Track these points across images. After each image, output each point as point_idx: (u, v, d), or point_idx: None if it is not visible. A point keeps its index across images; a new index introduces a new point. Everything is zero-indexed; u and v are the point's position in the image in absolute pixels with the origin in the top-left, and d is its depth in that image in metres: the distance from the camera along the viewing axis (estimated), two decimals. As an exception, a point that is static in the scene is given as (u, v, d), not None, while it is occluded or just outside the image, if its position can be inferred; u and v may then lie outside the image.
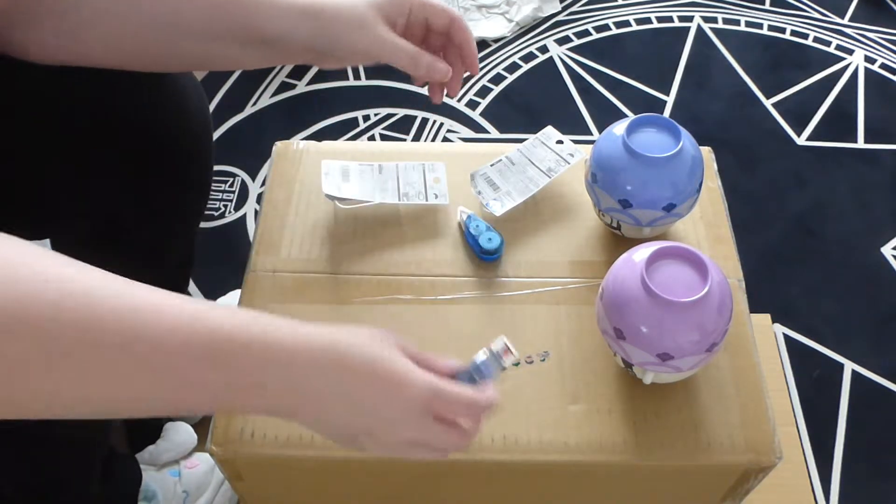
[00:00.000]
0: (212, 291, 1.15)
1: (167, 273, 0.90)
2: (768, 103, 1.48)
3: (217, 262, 1.19)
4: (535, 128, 0.89)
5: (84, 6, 0.58)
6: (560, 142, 0.81)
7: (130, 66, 0.63)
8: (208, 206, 1.27)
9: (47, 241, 0.74)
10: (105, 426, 0.76)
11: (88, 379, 0.40)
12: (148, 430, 0.91)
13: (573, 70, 1.54)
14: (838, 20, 1.65)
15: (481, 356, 0.56)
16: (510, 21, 1.63)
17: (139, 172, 0.72)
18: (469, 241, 0.76)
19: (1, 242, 0.39)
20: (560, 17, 1.66)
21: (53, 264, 0.41)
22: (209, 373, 0.43)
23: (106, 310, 0.40)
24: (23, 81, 0.62)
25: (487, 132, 1.42)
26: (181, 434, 0.91)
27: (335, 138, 1.38)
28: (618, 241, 0.76)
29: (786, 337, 1.13)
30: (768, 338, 1.12)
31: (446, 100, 1.48)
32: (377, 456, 0.53)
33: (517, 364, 0.58)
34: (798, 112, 1.46)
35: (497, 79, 1.53)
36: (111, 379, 0.41)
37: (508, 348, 0.57)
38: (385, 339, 0.49)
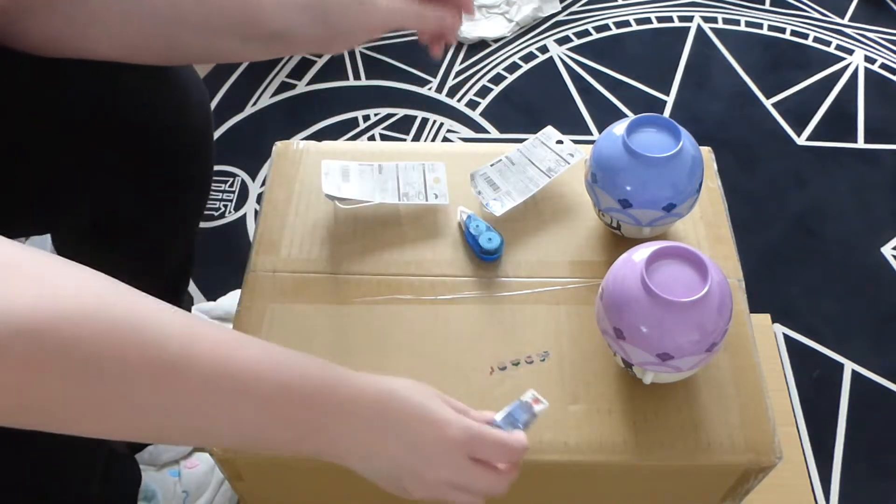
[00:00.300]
0: (212, 291, 1.15)
1: (167, 272, 0.89)
2: (768, 103, 1.48)
3: (217, 262, 1.19)
4: (535, 128, 0.89)
5: None
6: (560, 142, 0.81)
7: (134, 60, 0.64)
8: (208, 205, 1.27)
9: (47, 236, 0.74)
10: None
11: (188, 412, 0.44)
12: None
13: (573, 70, 1.54)
14: (838, 20, 1.65)
15: (513, 405, 0.59)
16: (510, 21, 1.63)
17: (139, 168, 0.72)
18: (469, 241, 0.76)
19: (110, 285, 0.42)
20: (560, 17, 1.66)
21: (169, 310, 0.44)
22: (294, 412, 0.47)
23: (202, 351, 0.44)
24: (22, 77, 0.62)
25: (487, 132, 1.42)
26: (181, 434, 0.91)
27: (335, 138, 1.38)
28: (618, 241, 0.76)
29: (786, 337, 1.13)
30: (768, 338, 1.12)
31: (446, 99, 1.48)
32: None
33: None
34: (798, 112, 1.46)
35: (497, 79, 1.53)
36: (213, 413, 0.45)
37: (538, 398, 0.60)
38: (425, 390, 0.53)
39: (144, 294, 0.44)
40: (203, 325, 0.45)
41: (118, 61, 0.63)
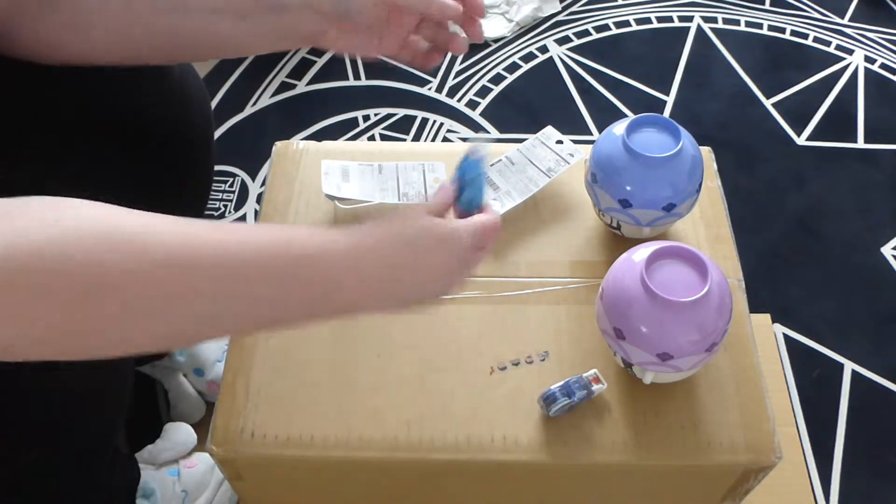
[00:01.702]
0: (212, 291, 1.15)
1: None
2: (768, 103, 1.48)
3: (217, 262, 1.19)
4: (535, 128, 0.89)
5: None
6: (560, 142, 0.81)
7: (135, 58, 0.63)
8: (208, 205, 1.27)
9: None
10: (115, 426, 0.76)
11: (206, 310, 0.46)
12: (148, 429, 0.91)
13: (573, 70, 1.54)
14: (838, 20, 1.65)
15: (572, 377, 0.64)
16: (510, 21, 1.63)
17: (139, 168, 0.72)
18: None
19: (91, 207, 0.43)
20: (560, 17, 1.66)
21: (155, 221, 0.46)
22: (298, 287, 0.49)
23: (204, 251, 0.45)
24: (22, 79, 0.62)
25: (487, 132, 1.42)
26: (181, 434, 0.91)
27: (335, 138, 1.38)
28: (618, 241, 0.76)
29: (786, 337, 1.13)
30: (768, 338, 1.12)
31: (446, 99, 1.48)
32: (377, 456, 0.53)
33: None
34: (798, 112, 1.46)
35: (497, 79, 1.53)
36: (225, 308, 0.46)
37: (598, 378, 0.64)
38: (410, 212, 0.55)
39: (127, 209, 0.46)
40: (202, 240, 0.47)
41: (119, 63, 0.63)
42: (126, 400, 0.75)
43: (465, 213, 0.58)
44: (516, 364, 0.69)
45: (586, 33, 1.62)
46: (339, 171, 0.80)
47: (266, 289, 0.47)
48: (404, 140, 1.40)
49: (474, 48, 1.59)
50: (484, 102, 1.48)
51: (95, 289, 0.41)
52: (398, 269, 0.52)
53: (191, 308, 0.45)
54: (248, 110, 1.45)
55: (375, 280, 0.51)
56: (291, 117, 1.44)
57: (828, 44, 1.60)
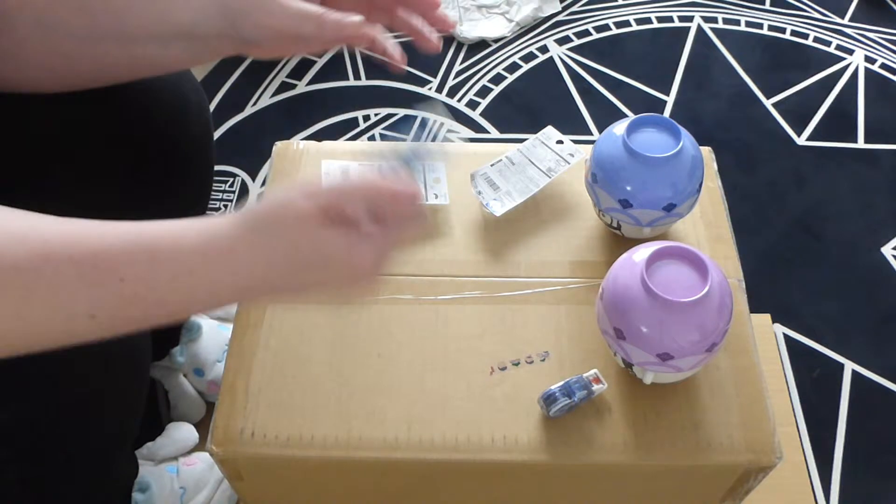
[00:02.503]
0: (212, 291, 1.15)
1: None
2: (768, 103, 1.48)
3: (217, 262, 1.19)
4: (535, 128, 0.89)
5: (18, 25, 0.57)
6: (560, 142, 0.81)
7: (65, 86, 0.62)
8: (208, 206, 1.27)
9: None
10: (128, 426, 0.76)
11: (71, 302, 0.45)
12: (148, 430, 0.91)
13: (573, 70, 1.54)
14: (838, 20, 1.65)
15: (573, 377, 0.65)
16: (510, 21, 1.63)
17: (137, 177, 0.72)
18: None
19: None
20: (560, 17, 1.66)
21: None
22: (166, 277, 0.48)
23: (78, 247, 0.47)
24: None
25: (487, 132, 1.42)
26: (181, 432, 0.91)
27: (335, 138, 1.38)
28: (618, 241, 0.76)
29: (786, 337, 1.13)
30: (768, 338, 1.12)
31: (446, 99, 1.48)
32: (377, 456, 0.53)
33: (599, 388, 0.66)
34: (798, 112, 1.46)
35: (497, 79, 1.53)
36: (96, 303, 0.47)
37: (599, 378, 0.65)
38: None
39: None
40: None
41: (48, 91, 0.62)
42: (141, 403, 0.75)
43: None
44: (516, 364, 0.69)
45: (586, 33, 1.62)
46: (340, 172, 0.80)
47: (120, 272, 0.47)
48: (404, 140, 1.40)
49: (474, 48, 1.59)
50: (484, 102, 1.48)
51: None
52: (272, 270, 0.49)
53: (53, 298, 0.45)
54: (249, 110, 1.45)
55: (252, 279, 0.50)
56: (291, 117, 1.44)
57: (828, 44, 1.60)
